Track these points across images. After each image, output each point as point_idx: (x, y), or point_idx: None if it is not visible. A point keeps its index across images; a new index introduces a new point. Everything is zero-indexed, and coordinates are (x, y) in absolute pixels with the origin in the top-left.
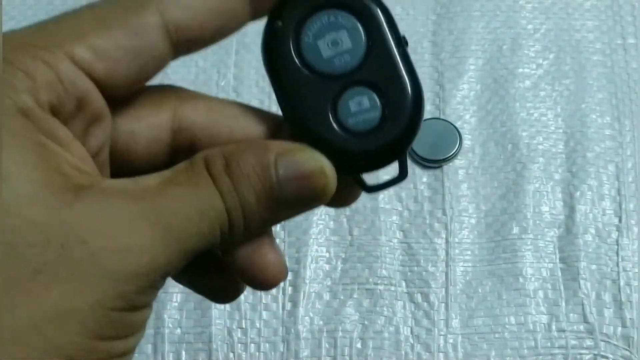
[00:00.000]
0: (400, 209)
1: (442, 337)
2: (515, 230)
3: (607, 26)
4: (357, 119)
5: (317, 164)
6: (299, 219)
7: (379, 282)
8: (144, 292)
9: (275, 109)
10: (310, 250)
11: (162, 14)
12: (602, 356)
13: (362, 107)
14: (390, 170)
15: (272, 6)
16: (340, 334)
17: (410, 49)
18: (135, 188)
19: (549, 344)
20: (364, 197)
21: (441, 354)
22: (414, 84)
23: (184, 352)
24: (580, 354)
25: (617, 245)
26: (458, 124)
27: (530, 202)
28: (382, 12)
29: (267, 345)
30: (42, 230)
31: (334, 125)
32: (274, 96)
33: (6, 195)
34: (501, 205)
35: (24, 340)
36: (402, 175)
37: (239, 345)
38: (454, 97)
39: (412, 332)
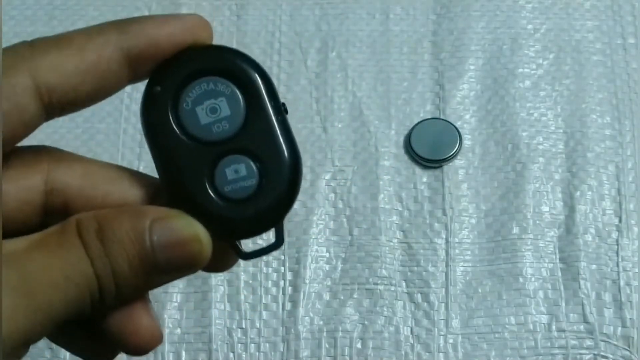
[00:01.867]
0: (400, 209)
1: (442, 337)
2: (515, 230)
3: (607, 26)
4: (234, 186)
5: (193, 230)
6: (298, 219)
7: (379, 282)
8: (7, 357)
9: None
10: (310, 250)
11: (34, 76)
12: (602, 356)
13: (239, 174)
14: (267, 236)
15: (152, 69)
16: (340, 334)
17: (410, 49)
18: (2, 252)
19: (549, 344)
20: (364, 197)
21: (441, 354)
22: (292, 152)
23: (184, 352)
24: (580, 354)
25: (617, 245)
26: (458, 124)
27: (530, 202)
28: (262, 79)
29: (267, 345)
30: None
31: (211, 192)
32: None
33: None
34: (501, 205)
35: None
36: (279, 242)
37: (239, 345)
38: (454, 97)
39: (412, 332)
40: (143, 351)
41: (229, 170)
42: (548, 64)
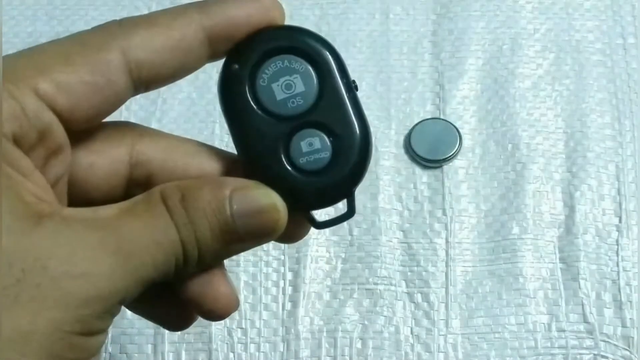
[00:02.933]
0: (400, 209)
1: (442, 337)
2: (515, 230)
3: (607, 26)
4: (309, 158)
5: (270, 200)
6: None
7: (379, 282)
8: (101, 317)
9: None
10: (310, 250)
11: (125, 52)
12: (602, 356)
13: (313, 147)
14: (340, 207)
15: (229, 49)
16: (340, 334)
17: (410, 49)
18: (94, 217)
19: (549, 344)
20: (364, 197)
21: (441, 354)
22: (362, 126)
23: (184, 352)
24: (580, 354)
25: (617, 245)
26: (458, 124)
27: (530, 202)
28: (333, 58)
29: (267, 345)
30: (5, 255)
31: (286, 164)
32: None
33: None
34: (501, 205)
35: None
36: (350, 212)
37: (239, 345)
38: (454, 97)
39: (412, 332)
40: (222, 316)
41: (303, 143)
42: (548, 64)
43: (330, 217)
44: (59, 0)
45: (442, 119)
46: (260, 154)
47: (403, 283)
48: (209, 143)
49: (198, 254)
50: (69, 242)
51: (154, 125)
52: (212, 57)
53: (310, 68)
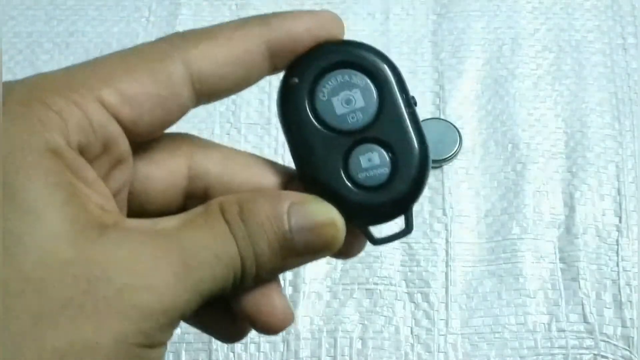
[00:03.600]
0: None
1: (442, 337)
2: (515, 230)
3: (607, 26)
4: (368, 174)
5: (329, 215)
6: None
7: (379, 282)
8: (163, 329)
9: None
10: None
11: (187, 64)
12: (602, 356)
13: (372, 163)
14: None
15: (289, 62)
16: (340, 334)
17: (410, 49)
18: (156, 228)
19: (549, 344)
20: None
21: (441, 354)
22: (421, 143)
23: (184, 352)
24: (580, 354)
25: (617, 245)
26: (458, 124)
27: (530, 202)
28: (393, 73)
29: (267, 345)
30: (70, 266)
31: (345, 179)
32: (274, 95)
33: (37, 231)
34: (501, 205)
35: None
36: (408, 229)
37: (239, 345)
38: (454, 97)
39: (412, 332)
40: (277, 330)
41: (363, 158)
42: (548, 64)
43: (388, 234)
44: (59, 0)
45: (442, 119)
46: (319, 168)
47: (403, 283)
48: None
49: (255, 268)
50: (132, 253)
51: None
52: (273, 71)
53: (370, 83)
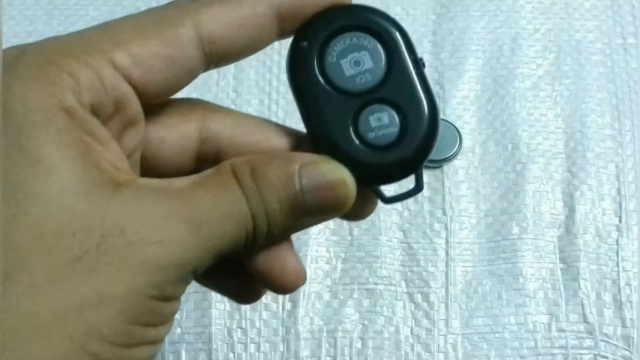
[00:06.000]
0: (400, 209)
1: (442, 337)
2: (515, 230)
3: (607, 26)
4: (377, 133)
5: (339, 174)
6: None
7: (379, 282)
8: (175, 283)
9: (275, 109)
10: (310, 250)
11: (197, 27)
12: (602, 356)
13: (381, 122)
14: (406, 183)
15: (298, 27)
16: (340, 334)
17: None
18: (168, 187)
19: (548, 344)
20: None
21: (441, 354)
22: (430, 102)
23: (184, 352)
24: (580, 354)
25: (617, 245)
26: (458, 124)
27: (530, 202)
28: (401, 35)
29: (267, 345)
30: (84, 220)
31: (355, 139)
32: (274, 95)
33: (51, 187)
34: (501, 205)
35: (65, 322)
36: (419, 187)
37: (239, 345)
38: (454, 97)
39: (412, 332)
40: (290, 290)
41: (372, 118)
42: (548, 64)
43: (398, 193)
44: (59, 0)
45: (442, 119)
46: (329, 129)
47: (403, 283)
48: None
49: (267, 227)
50: (144, 210)
51: None
52: (281, 35)
53: (378, 45)
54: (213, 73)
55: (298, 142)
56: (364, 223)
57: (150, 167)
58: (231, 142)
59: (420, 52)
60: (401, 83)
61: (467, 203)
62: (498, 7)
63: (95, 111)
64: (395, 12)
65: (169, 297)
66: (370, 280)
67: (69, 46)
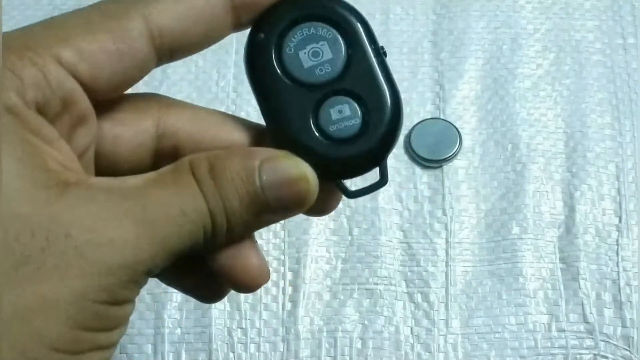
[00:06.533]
0: (400, 209)
1: (442, 337)
2: (515, 230)
3: (607, 26)
4: (338, 126)
5: (300, 170)
6: (298, 219)
7: (379, 282)
8: (127, 286)
9: None
10: (310, 250)
11: (147, 20)
12: (602, 356)
13: (343, 115)
14: (370, 176)
15: (254, 18)
16: (340, 334)
17: (410, 49)
18: (121, 186)
19: (549, 344)
20: (364, 197)
21: (441, 354)
22: (393, 93)
23: (184, 352)
24: (580, 354)
25: (617, 245)
26: (458, 124)
27: (530, 202)
28: (360, 24)
29: (267, 345)
30: (28, 223)
31: (316, 132)
32: None
33: None
34: (501, 205)
35: (9, 328)
36: (383, 180)
37: (239, 345)
38: (454, 97)
39: (412, 332)
40: (252, 288)
41: (333, 110)
42: (548, 64)
43: (363, 187)
44: (59, 0)
45: (442, 119)
46: (289, 123)
47: (403, 283)
48: None
49: (227, 225)
50: (94, 210)
51: None
52: (237, 27)
53: (337, 34)
54: (213, 73)
55: (259, 137)
56: (364, 223)
57: (106, 166)
58: (189, 137)
59: (420, 52)
60: (362, 73)
61: (467, 203)
62: (498, 7)
63: (41, 110)
64: (395, 12)
65: (120, 300)
66: (370, 280)
67: (13, 43)
